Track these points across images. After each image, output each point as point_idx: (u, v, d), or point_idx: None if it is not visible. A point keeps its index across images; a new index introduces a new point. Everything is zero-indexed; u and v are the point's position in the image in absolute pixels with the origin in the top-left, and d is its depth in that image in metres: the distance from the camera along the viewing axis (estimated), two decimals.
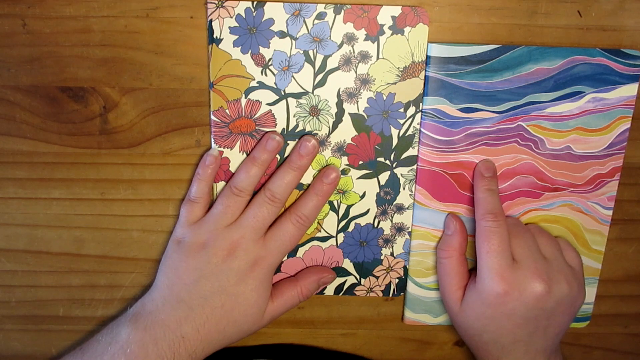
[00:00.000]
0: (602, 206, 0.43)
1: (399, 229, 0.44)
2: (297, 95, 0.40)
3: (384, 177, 0.42)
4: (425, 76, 0.40)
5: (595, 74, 0.40)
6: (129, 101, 0.41)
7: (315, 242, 0.44)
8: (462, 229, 0.43)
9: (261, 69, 0.39)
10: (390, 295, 0.46)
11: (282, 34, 0.39)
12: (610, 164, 0.42)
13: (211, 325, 0.39)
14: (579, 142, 0.41)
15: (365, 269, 0.45)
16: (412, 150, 0.42)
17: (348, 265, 0.45)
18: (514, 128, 0.41)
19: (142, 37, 0.39)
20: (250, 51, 0.39)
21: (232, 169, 0.42)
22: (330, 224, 0.44)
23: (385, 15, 0.38)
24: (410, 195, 0.43)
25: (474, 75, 0.39)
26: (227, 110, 0.40)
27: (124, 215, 0.44)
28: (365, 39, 0.39)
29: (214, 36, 0.39)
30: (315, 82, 0.40)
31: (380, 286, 0.46)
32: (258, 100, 0.40)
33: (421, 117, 0.41)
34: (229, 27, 0.38)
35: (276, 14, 0.38)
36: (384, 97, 0.40)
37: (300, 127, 0.41)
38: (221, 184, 0.42)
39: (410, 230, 0.44)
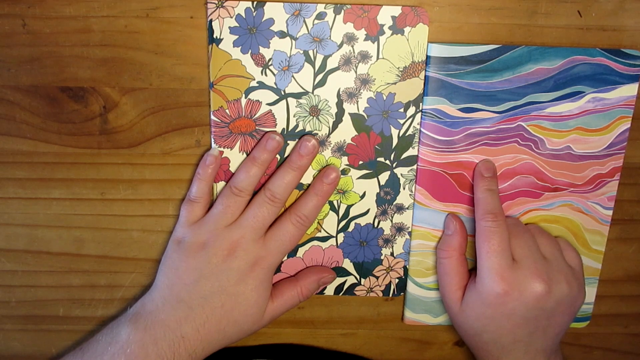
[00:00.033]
0: (602, 206, 0.43)
1: (399, 229, 0.44)
2: (297, 95, 0.40)
3: (384, 177, 0.42)
4: (425, 76, 0.40)
5: (595, 74, 0.40)
6: (129, 101, 0.41)
7: (315, 242, 0.44)
8: (462, 229, 0.43)
9: (261, 69, 0.39)
10: (390, 295, 0.46)
11: (282, 34, 0.39)
12: (610, 164, 0.42)
13: (211, 325, 0.39)
14: (579, 142, 0.41)
15: (365, 269, 0.45)
16: (412, 150, 0.42)
17: (348, 265, 0.45)
18: (514, 128, 0.41)
19: (142, 37, 0.39)
20: (250, 51, 0.39)
21: (232, 169, 0.42)
22: (330, 224, 0.44)
23: (385, 15, 0.38)
24: (410, 195, 0.43)
25: (474, 75, 0.39)
26: (227, 110, 0.40)
27: (124, 215, 0.44)
28: (365, 39, 0.39)
29: (214, 36, 0.39)
30: (315, 82, 0.40)
31: (380, 286, 0.46)
32: (258, 100, 0.40)
33: (421, 117, 0.41)
34: (229, 27, 0.38)
35: (276, 14, 0.38)
36: (384, 97, 0.40)
37: (300, 127, 0.41)
38: (221, 184, 0.42)
39: (410, 230, 0.44)
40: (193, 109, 0.41)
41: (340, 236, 0.44)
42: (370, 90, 0.40)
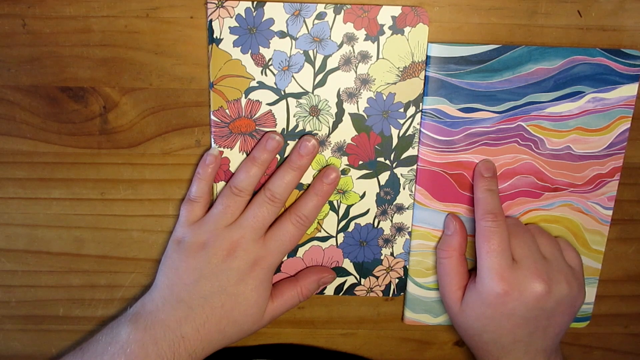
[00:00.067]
0: (602, 206, 0.43)
1: (399, 229, 0.44)
2: (297, 95, 0.40)
3: (384, 177, 0.42)
4: (425, 76, 0.40)
5: (595, 74, 0.40)
6: (129, 101, 0.41)
7: (315, 242, 0.44)
8: (462, 229, 0.43)
9: (261, 69, 0.39)
10: (390, 295, 0.46)
11: (282, 34, 0.39)
12: (610, 164, 0.42)
13: (211, 325, 0.39)
14: (579, 142, 0.41)
15: (365, 269, 0.45)
16: (412, 150, 0.42)
17: (348, 265, 0.45)
18: (514, 128, 0.41)
19: (142, 37, 0.39)
20: (250, 51, 0.39)
21: (232, 169, 0.42)
22: (330, 224, 0.44)
23: (385, 15, 0.38)
24: (410, 195, 0.43)
25: (474, 75, 0.39)
26: (227, 110, 0.40)
27: (124, 215, 0.44)
28: (365, 39, 0.39)
29: (214, 36, 0.39)
30: (315, 82, 0.40)
31: (380, 286, 0.46)
32: (258, 100, 0.40)
33: (421, 117, 0.41)
34: (229, 27, 0.38)
35: (276, 14, 0.38)
36: (384, 97, 0.40)
37: (300, 127, 0.41)
38: (221, 184, 0.42)
39: (410, 230, 0.44)
40: (193, 109, 0.41)
41: (340, 236, 0.44)
42: (370, 90, 0.40)
